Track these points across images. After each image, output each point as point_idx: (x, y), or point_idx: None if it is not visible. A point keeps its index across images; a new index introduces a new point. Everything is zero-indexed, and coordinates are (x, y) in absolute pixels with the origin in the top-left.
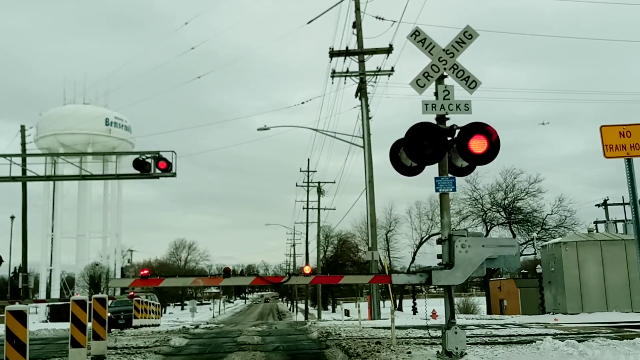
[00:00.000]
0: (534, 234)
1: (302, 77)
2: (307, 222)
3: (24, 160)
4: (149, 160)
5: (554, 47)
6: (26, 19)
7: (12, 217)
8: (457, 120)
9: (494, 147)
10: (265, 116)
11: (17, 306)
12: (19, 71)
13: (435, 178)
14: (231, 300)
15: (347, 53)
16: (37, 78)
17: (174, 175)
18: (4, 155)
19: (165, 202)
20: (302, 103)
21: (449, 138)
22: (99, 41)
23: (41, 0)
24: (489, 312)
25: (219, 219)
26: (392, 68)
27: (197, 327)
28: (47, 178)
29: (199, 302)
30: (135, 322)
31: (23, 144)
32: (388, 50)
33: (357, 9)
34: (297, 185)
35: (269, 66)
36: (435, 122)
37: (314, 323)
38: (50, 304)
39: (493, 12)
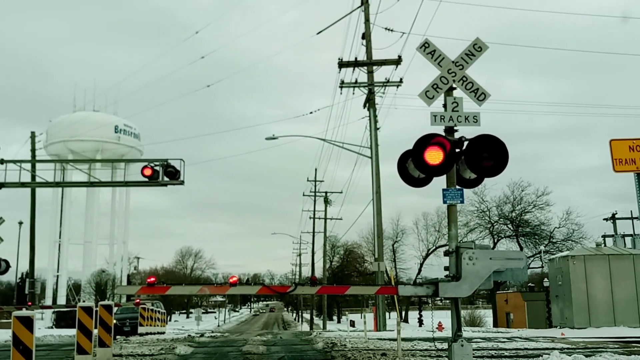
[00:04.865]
0: (542, 247)
1: (319, 86)
2: (314, 232)
3: (33, 167)
4: (157, 168)
5: (571, 60)
6: (43, 25)
7: (21, 223)
8: (466, 132)
9: (502, 160)
10: (280, 125)
11: (24, 312)
12: (32, 75)
13: (443, 190)
14: (236, 309)
15: (356, 64)
16: (49, 83)
17: (182, 183)
18: (14, 161)
19: (177, 210)
20: (311, 113)
21: (457, 150)
22: (115, 48)
23: (59, 7)
24: (495, 325)
25: (229, 227)
26: (401, 79)
27: (202, 335)
28: (56, 184)
29: (204, 311)
30: (140, 329)
31: (33, 150)
32: (397, 62)
33: (367, 20)
34: (304, 195)
35: (286, 74)
36: (443, 134)
37: (319, 333)
38: (56, 310)
39: (507, 24)
